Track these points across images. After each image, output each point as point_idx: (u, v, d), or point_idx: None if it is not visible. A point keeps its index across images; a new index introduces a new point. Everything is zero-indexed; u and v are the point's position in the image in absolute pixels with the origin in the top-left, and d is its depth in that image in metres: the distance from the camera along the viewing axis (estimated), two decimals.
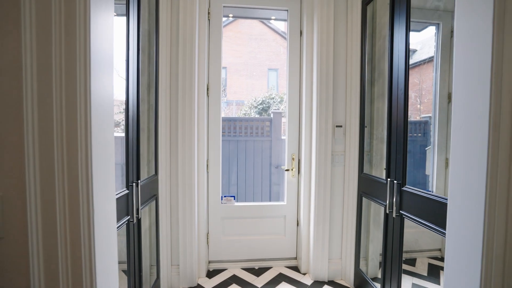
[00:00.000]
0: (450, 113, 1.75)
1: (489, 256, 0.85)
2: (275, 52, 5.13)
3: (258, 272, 2.27)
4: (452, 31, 2.18)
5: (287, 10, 2.29)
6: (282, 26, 4.50)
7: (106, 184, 0.76)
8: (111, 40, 0.79)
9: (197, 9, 1.99)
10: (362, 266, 2.03)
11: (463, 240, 0.95)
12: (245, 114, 4.34)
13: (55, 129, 0.63)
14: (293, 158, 2.37)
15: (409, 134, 2.53)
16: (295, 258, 2.42)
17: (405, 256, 1.63)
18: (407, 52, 1.53)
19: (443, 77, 1.80)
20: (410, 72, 1.56)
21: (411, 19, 1.52)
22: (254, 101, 4.33)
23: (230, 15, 2.68)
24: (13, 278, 0.64)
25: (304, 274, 2.26)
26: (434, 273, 1.89)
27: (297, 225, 2.41)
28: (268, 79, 5.41)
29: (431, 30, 1.77)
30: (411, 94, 1.69)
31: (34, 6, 0.61)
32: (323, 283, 2.14)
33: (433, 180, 1.80)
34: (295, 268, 2.34)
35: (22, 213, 0.64)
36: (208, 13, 2.19)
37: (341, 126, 2.15)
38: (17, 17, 0.60)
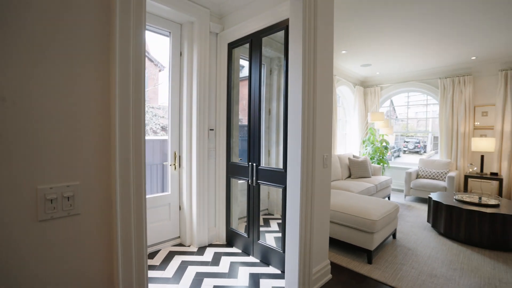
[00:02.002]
0: (271, 121, 3.12)
1: (303, 194, 1.98)
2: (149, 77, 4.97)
3: (150, 256, 2.60)
4: (271, 70, 3.55)
5: (170, 32, 2.76)
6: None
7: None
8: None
9: None
10: (233, 225, 2.95)
11: (292, 188, 2.04)
12: None
13: (131, 134, 0.97)
14: (175, 155, 2.87)
15: (243, 135, 3.76)
16: (179, 237, 2.95)
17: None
18: (260, 81, 2.57)
19: (269, 100, 3.05)
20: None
21: (261, 63, 2.57)
22: None
23: None
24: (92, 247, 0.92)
25: (189, 245, 2.86)
26: (266, 222, 3.18)
27: (180, 209, 2.95)
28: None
29: (267, 69, 2.96)
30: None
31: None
32: (205, 246, 2.86)
33: (269, 159, 3.03)
34: (180, 244, 2.88)
35: (98, 195, 0.93)
36: None
37: (213, 129, 2.94)
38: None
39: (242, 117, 4.10)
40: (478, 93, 5.14)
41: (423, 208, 4.59)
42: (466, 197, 3.51)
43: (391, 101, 7.35)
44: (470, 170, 5.00)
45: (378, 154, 5.84)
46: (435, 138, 6.18)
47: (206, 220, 2.88)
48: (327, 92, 2.20)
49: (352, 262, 2.58)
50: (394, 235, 3.22)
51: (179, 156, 2.91)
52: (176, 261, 2.53)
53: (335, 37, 3.92)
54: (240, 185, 3.02)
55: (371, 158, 5.91)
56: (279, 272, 2.38)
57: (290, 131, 2.07)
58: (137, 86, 0.99)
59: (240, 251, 2.79)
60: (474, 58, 4.82)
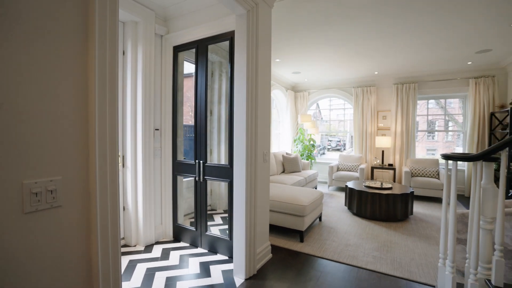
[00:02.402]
0: (214, 122, 3.37)
1: (247, 186, 2.29)
2: None
3: None
4: (213, 74, 3.76)
5: None
6: None
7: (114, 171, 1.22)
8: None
9: None
10: (180, 221, 3.06)
11: (239, 181, 2.33)
12: None
13: (107, 131, 1.09)
14: (119, 155, 2.82)
15: (187, 134, 3.98)
16: (123, 238, 2.90)
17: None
18: (206, 85, 2.77)
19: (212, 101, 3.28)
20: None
21: (207, 68, 2.77)
22: None
23: None
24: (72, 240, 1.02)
25: (135, 245, 2.85)
26: (210, 217, 3.39)
27: (124, 210, 2.90)
28: None
29: (213, 74, 3.17)
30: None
31: None
32: (152, 244, 2.90)
33: (211, 157, 3.26)
34: (125, 245, 2.85)
35: (78, 188, 1.03)
36: None
37: (158, 129, 3.00)
38: None
39: (188, 118, 4.22)
40: (380, 100, 6.41)
41: (342, 196, 5.51)
42: (371, 184, 4.42)
43: (317, 105, 8.39)
44: (375, 162, 6.21)
45: (306, 151, 6.65)
46: (352, 137, 7.39)
47: (153, 219, 2.93)
48: (266, 96, 2.57)
49: (288, 242, 3.03)
50: (320, 218, 3.85)
51: (123, 156, 2.87)
52: (124, 260, 2.53)
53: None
54: (186, 182, 3.15)
55: (301, 155, 6.68)
56: (226, 258, 2.64)
57: (236, 130, 2.35)
58: (111, 86, 1.12)
59: (188, 244, 2.94)
60: (376, 73, 6.00)
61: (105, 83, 1.09)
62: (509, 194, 4.38)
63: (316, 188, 6.10)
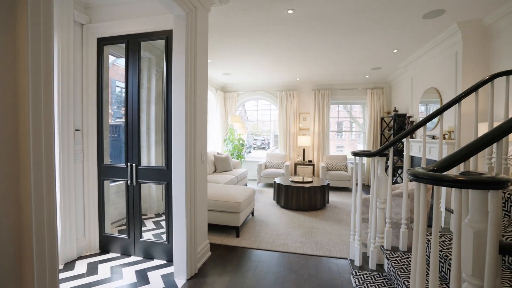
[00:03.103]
0: (147, 122, 3.19)
1: (187, 187, 2.32)
2: None
3: None
4: (140, 70, 3.55)
5: None
6: None
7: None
8: None
9: None
10: (108, 230, 2.80)
11: (178, 182, 2.33)
12: None
13: (42, 137, 0.99)
14: None
15: (114, 135, 3.74)
16: None
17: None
18: (139, 84, 2.62)
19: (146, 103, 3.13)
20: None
21: (140, 66, 2.63)
22: None
23: None
24: None
25: None
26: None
27: None
28: None
29: (146, 72, 3.01)
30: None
31: None
32: (74, 261, 2.57)
33: (142, 159, 3.11)
34: None
35: (8, 200, 0.92)
36: None
37: (79, 130, 2.67)
38: None
39: (117, 118, 3.86)
40: (301, 104, 7.19)
41: (270, 191, 5.96)
42: (295, 179, 4.96)
43: (244, 106, 8.76)
44: (298, 159, 6.94)
45: (236, 150, 6.90)
46: (276, 136, 8.02)
47: (74, 231, 2.59)
48: (203, 98, 2.63)
49: (226, 239, 3.16)
50: (252, 213, 4.11)
51: None
52: None
53: None
54: (116, 187, 2.91)
55: (231, 154, 6.89)
56: (164, 261, 2.58)
57: (174, 131, 2.33)
58: (47, 88, 1.02)
59: (119, 254, 2.72)
60: (298, 79, 6.72)
61: (39, 84, 0.99)
62: (393, 180, 5.62)
63: (247, 186, 6.41)
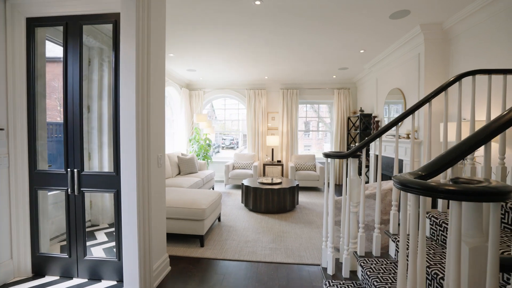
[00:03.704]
0: (93, 121, 2.83)
1: (139, 195, 1.99)
2: None
3: None
4: (89, 62, 3.13)
5: None
6: None
7: None
8: None
9: None
10: (43, 249, 2.34)
11: (128, 190, 1.99)
12: None
13: None
14: None
15: (55, 135, 3.26)
16: None
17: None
18: (81, 75, 2.21)
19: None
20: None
21: (82, 54, 2.22)
22: None
23: None
24: None
25: None
26: (91, 234, 2.83)
27: None
28: None
29: (96, 62, 2.58)
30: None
31: None
32: None
33: (91, 164, 2.69)
34: None
35: None
36: None
37: (3, 129, 2.18)
38: None
39: (56, 114, 3.34)
40: (269, 103, 7.05)
41: (239, 193, 5.73)
42: (264, 180, 4.79)
43: (212, 104, 8.41)
44: (266, 159, 6.79)
45: (203, 151, 6.55)
46: (244, 135, 7.80)
47: None
48: (160, 93, 2.31)
49: (188, 250, 2.86)
50: (219, 218, 3.85)
51: None
52: None
53: None
54: (54, 196, 2.46)
55: (197, 155, 6.52)
56: (115, 282, 2.22)
57: (123, 131, 1.99)
58: None
59: (57, 277, 2.29)
60: (266, 77, 6.56)
61: None
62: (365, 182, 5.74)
63: (213, 188, 6.10)
